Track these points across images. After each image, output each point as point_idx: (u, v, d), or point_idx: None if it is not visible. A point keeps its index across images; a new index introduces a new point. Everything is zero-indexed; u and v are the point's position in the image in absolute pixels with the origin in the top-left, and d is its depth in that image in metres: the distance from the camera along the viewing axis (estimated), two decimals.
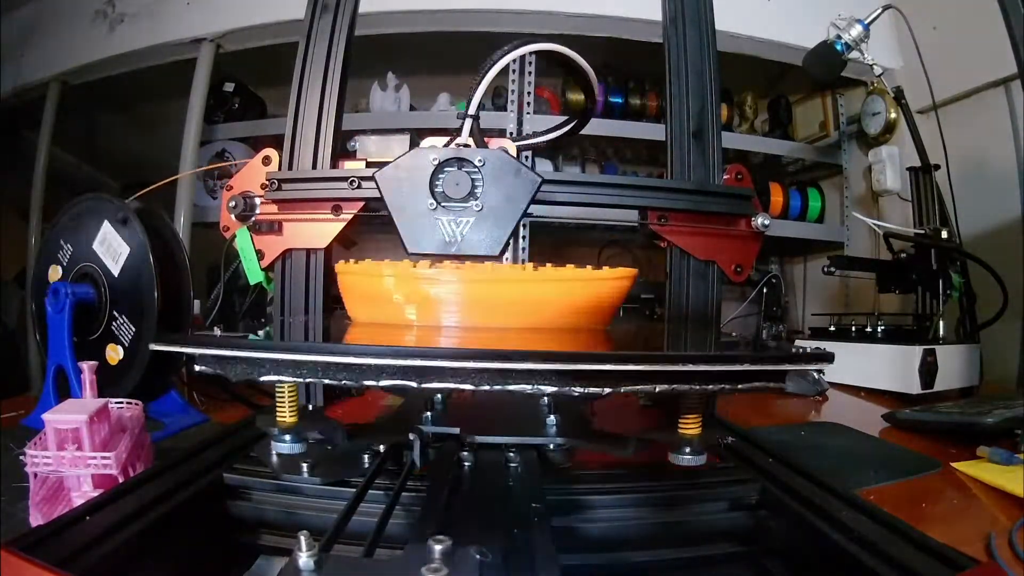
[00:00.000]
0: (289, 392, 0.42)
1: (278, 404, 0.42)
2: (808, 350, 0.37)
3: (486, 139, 0.52)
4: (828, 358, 0.36)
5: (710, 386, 0.36)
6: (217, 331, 0.38)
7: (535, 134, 0.68)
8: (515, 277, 0.49)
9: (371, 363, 0.33)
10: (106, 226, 0.75)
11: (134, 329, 0.74)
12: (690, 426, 0.42)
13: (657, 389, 0.35)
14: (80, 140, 1.96)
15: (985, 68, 1.28)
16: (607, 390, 0.35)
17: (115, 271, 0.75)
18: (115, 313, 0.74)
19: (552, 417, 0.48)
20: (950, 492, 0.56)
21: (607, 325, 0.53)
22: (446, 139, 0.52)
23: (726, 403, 0.72)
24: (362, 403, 0.84)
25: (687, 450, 0.41)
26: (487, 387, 0.34)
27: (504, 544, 0.31)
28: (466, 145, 0.50)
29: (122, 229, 0.75)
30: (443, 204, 0.48)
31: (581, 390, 0.34)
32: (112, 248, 0.75)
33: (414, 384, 0.34)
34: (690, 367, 0.34)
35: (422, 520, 0.34)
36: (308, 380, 0.35)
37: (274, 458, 0.43)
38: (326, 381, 0.35)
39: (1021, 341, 1.11)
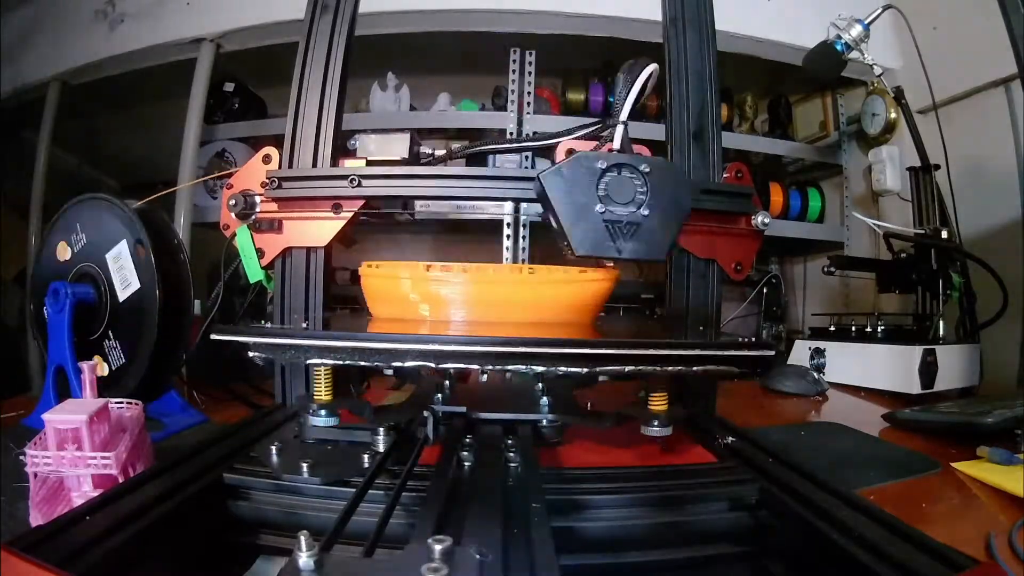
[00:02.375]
0: (325, 374, 0.48)
1: (315, 386, 0.49)
2: (752, 340, 0.46)
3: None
4: (768, 346, 0.45)
5: (669, 368, 0.43)
6: (267, 324, 0.46)
7: (570, 131, 0.69)
8: (512, 279, 0.57)
9: (399, 348, 0.41)
10: (123, 246, 0.75)
11: (124, 358, 0.74)
12: (658, 403, 0.50)
13: (627, 370, 0.42)
14: (80, 140, 1.96)
15: (985, 68, 1.28)
16: (584, 370, 0.42)
17: (121, 296, 0.75)
18: (109, 333, 0.74)
19: (545, 399, 0.56)
20: (950, 492, 0.56)
21: (593, 319, 0.60)
22: (592, 144, 0.55)
23: (726, 403, 0.72)
24: (367, 398, 0.84)
25: (655, 423, 0.49)
26: (490, 367, 0.42)
27: (504, 544, 0.31)
28: (621, 151, 0.53)
29: (136, 255, 0.74)
30: (610, 208, 0.49)
31: (565, 369, 0.42)
32: (123, 269, 0.75)
33: (432, 364, 0.41)
34: (651, 352, 0.43)
35: (422, 520, 0.34)
36: (347, 363, 0.42)
37: (274, 458, 0.43)
38: (362, 363, 0.42)
39: (1021, 341, 1.11)
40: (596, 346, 0.43)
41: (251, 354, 0.43)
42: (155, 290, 0.72)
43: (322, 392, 0.48)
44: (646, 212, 0.50)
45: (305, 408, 0.49)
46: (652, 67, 0.55)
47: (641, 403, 0.51)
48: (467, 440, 0.46)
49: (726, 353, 0.44)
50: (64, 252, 0.76)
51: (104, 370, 0.74)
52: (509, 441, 0.47)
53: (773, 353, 0.45)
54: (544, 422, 0.54)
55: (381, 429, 0.45)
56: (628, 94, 0.54)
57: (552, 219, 0.51)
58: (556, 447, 0.55)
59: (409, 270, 0.55)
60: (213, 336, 0.44)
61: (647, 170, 0.50)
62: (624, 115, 0.54)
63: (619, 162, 0.50)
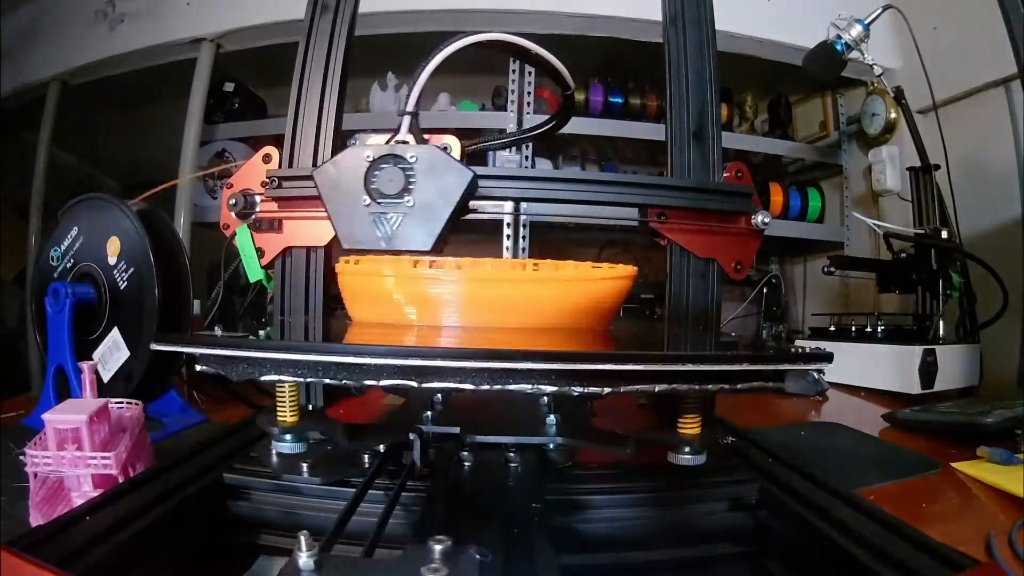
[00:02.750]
0: (290, 392, 0.42)
1: (279, 404, 0.42)
2: (807, 350, 0.37)
3: (427, 136, 0.52)
4: (827, 358, 0.36)
5: (709, 386, 0.36)
6: (218, 331, 0.38)
7: (517, 132, 0.68)
8: (515, 277, 0.50)
9: (371, 363, 0.34)
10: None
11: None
12: (690, 426, 0.42)
13: (657, 389, 0.35)
14: (80, 140, 1.96)
15: (985, 68, 1.28)
16: (607, 390, 0.35)
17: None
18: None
19: (552, 417, 0.48)
20: (950, 492, 0.56)
21: (608, 325, 0.53)
22: (386, 137, 0.52)
23: (726, 403, 0.72)
24: (363, 403, 0.84)
25: (687, 450, 0.42)
26: (487, 387, 0.34)
27: (504, 544, 0.31)
28: (404, 142, 0.50)
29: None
30: (377, 200, 0.48)
31: (581, 390, 0.34)
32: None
33: (414, 384, 0.34)
34: (690, 367, 0.34)
35: (422, 520, 0.34)
36: (309, 380, 0.36)
37: (274, 458, 0.43)
38: (327, 381, 0.35)
39: (1021, 341, 1.11)
40: (619, 360, 0.34)
41: (198, 368, 0.37)
42: (154, 290, 0.72)
43: (286, 413, 0.42)
44: (411, 203, 0.48)
45: (270, 430, 0.43)
46: (444, 53, 0.52)
47: (668, 424, 0.44)
48: (464, 453, 0.45)
49: (779, 367, 0.37)
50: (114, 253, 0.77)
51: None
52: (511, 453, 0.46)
53: (831, 363, 0.37)
54: (551, 446, 0.47)
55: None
56: (416, 83, 0.52)
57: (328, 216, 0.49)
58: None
59: (393, 266, 0.49)
60: (153, 346, 0.38)
61: (414, 159, 0.48)
62: (410, 104, 0.52)
63: (388, 153, 0.48)
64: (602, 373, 0.34)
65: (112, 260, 0.75)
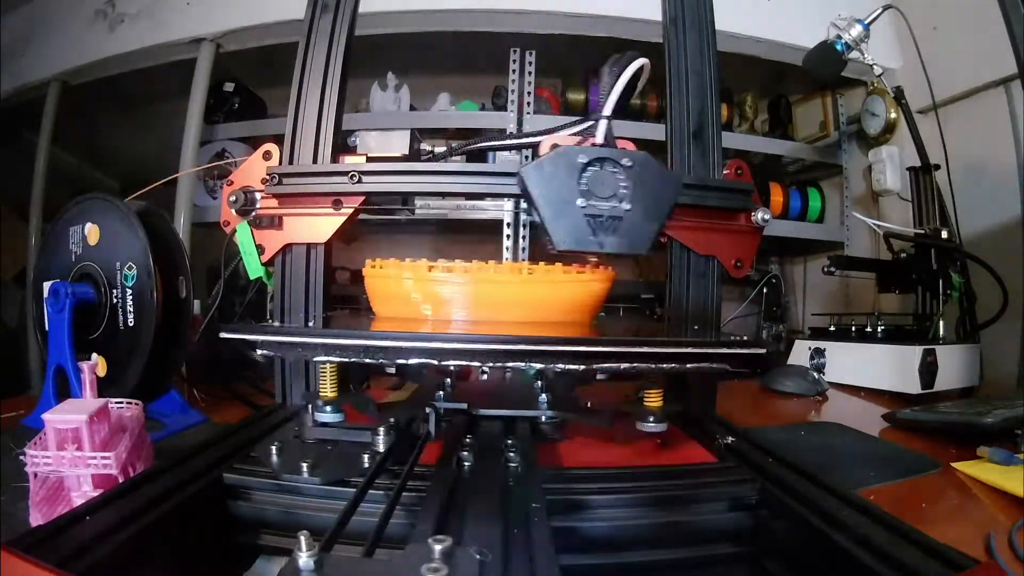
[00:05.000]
0: (331, 372, 0.51)
1: (321, 382, 0.51)
2: (744, 338, 0.46)
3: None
4: (761, 345, 0.46)
5: (664, 365, 0.44)
6: (275, 323, 0.48)
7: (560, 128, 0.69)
8: (514, 280, 0.57)
9: (403, 345, 0.42)
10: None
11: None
12: (653, 399, 0.53)
13: (622, 367, 0.44)
14: (80, 140, 1.96)
15: (985, 68, 1.28)
16: (581, 367, 0.43)
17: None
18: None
19: (544, 395, 0.56)
20: (950, 492, 0.56)
21: (591, 319, 0.61)
22: (576, 139, 0.54)
23: (726, 403, 0.72)
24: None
25: (651, 419, 0.51)
26: (491, 363, 0.44)
27: (504, 544, 0.31)
28: (604, 145, 0.52)
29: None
30: (591, 202, 0.49)
31: (563, 366, 0.43)
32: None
33: (435, 362, 0.42)
34: (645, 349, 0.44)
35: (422, 520, 0.34)
36: (352, 360, 0.43)
37: (274, 458, 0.43)
38: (367, 360, 0.43)
39: (1021, 341, 1.11)
40: (592, 344, 0.45)
41: (259, 352, 0.44)
42: (154, 290, 0.72)
43: (328, 389, 0.50)
44: (628, 206, 0.49)
45: (310, 404, 0.50)
46: (640, 62, 0.54)
47: (637, 401, 0.53)
48: (467, 440, 0.46)
49: (718, 351, 0.46)
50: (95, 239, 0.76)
51: (103, 370, 0.74)
52: (509, 441, 0.47)
53: (765, 351, 0.45)
54: (543, 418, 0.55)
55: (381, 429, 0.45)
56: (612, 88, 0.53)
57: (535, 214, 0.51)
58: (555, 443, 0.56)
59: (412, 270, 0.56)
60: (222, 335, 0.44)
61: (629, 164, 0.49)
62: (608, 110, 0.53)
63: (600, 156, 0.49)
64: (578, 354, 0.44)
65: (112, 260, 0.75)
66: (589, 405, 0.59)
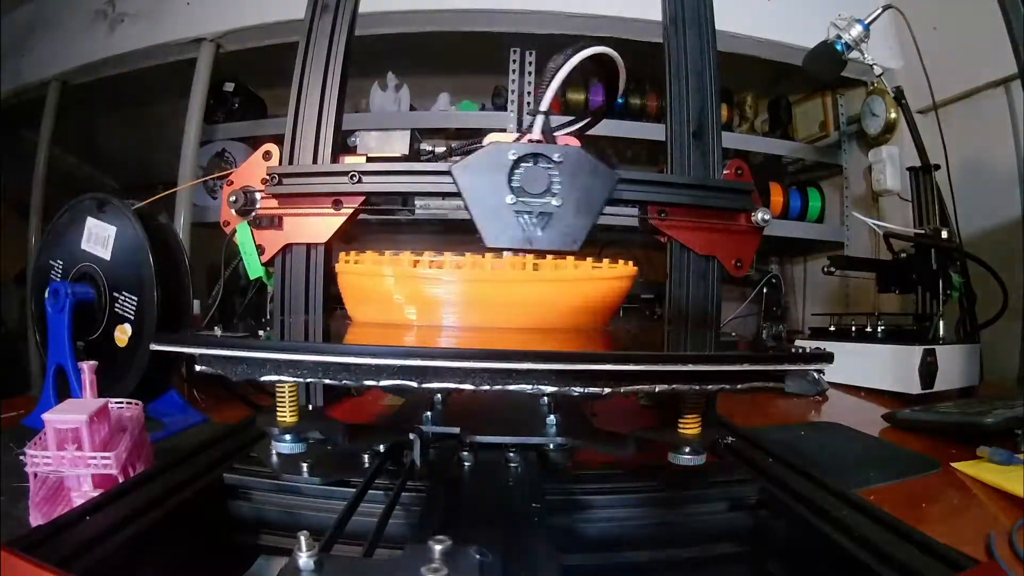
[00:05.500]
0: (290, 392, 0.42)
1: (278, 404, 0.42)
2: (807, 350, 0.37)
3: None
4: (827, 358, 0.36)
5: (710, 386, 0.36)
6: (217, 331, 0.38)
7: (560, 127, 0.68)
8: (515, 277, 0.49)
9: (371, 363, 0.33)
10: (89, 221, 0.76)
11: (135, 308, 0.73)
12: (690, 426, 0.42)
13: (657, 389, 0.35)
14: (80, 140, 1.96)
15: (985, 68, 1.28)
16: (607, 390, 0.34)
17: (106, 256, 0.75)
18: (115, 295, 0.75)
19: (552, 417, 0.48)
20: (950, 492, 0.56)
21: (607, 324, 0.53)
22: (514, 136, 0.52)
23: (726, 403, 0.72)
24: (362, 403, 0.84)
25: (687, 450, 0.41)
26: (487, 387, 0.34)
27: (504, 544, 0.31)
28: (539, 141, 0.50)
29: (103, 216, 0.75)
30: (522, 199, 0.48)
31: (581, 390, 0.34)
32: (99, 237, 0.75)
33: (414, 384, 0.34)
34: (690, 367, 0.34)
35: (422, 520, 0.34)
36: (309, 380, 0.35)
37: (274, 458, 0.43)
38: (327, 381, 0.35)
39: (1021, 341, 1.11)
40: (620, 361, 0.34)
41: (197, 368, 0.37)
42: (154, 290, 0.72)
43: (286, 413, 0.42)
44: (558, 203, 0.48)
45: (269, 430, 0.42)
46: (584, 53, 0.51)
47: (668, 424, 0.43)
48: (464, 454, 0.45)
49: (780, 368, 0.37)
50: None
51: (128, 331, 0.74)
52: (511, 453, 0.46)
53: (831, 363, 0.37)
54: (551, 446, 0.47)
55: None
56: (550, 83, 0.51)
57: (468, 211, 0.50)
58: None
59: (393, 266, 0.48)
60: (153, 346, 0.37)
61: (560, 159, 0.48)
62: (544, 104, 0.51)
63: (531, 152, 0.48)
64: (602, 373, 0.34)
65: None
66: (596, 416, 0.56)
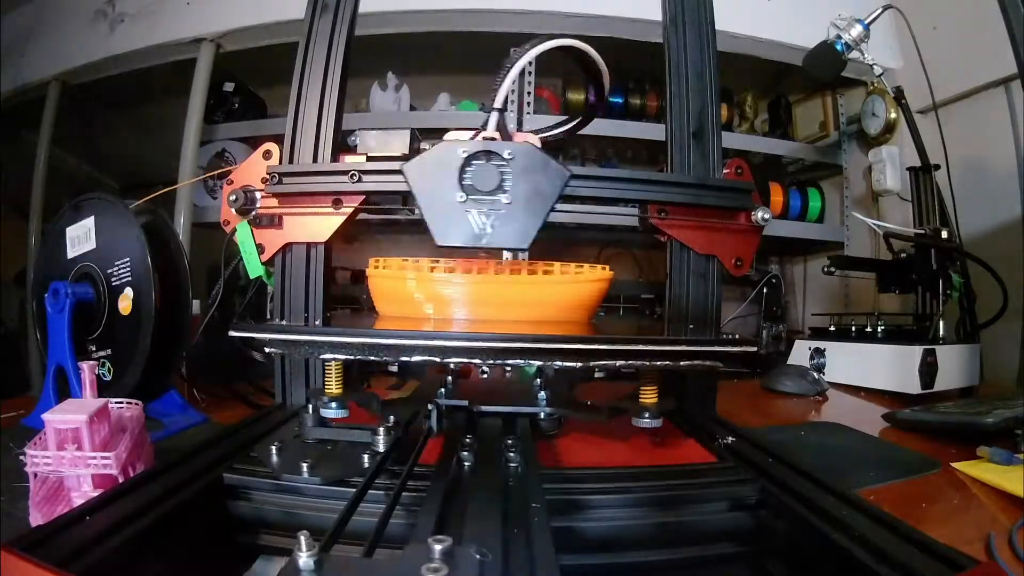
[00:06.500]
0: (336, 369, 0.51)
1: (327, 379, 0.51)
2: (736, 336, 0.47)
3: (511, 133, 0.53)
4: (752, 343, 0.46)
5: (657, 362, 0.45)
6: (282, 322, 0.47)
7: (547, 128, 0.68)
8: (513, 280, 0.58)
9: (407, 343, 0.43)
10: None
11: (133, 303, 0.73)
12: (648, 396, 0.53)
13: (618, 364, 0.44)
14: (80, 140, 1.96)
15: (985, 68, 1.28)
16: (579, 364, 0.44)
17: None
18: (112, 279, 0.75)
19: (542, 392, 0.57)
20: (950, 492, 0.56)
21: (590, 317, 0.61)
22: (471, 133, 0.52)
23: (726, 403, 0.72)
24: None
25: (646, 415, 0.51)
26: (491, 361, 0.44)
27: (504, 544, 0.31)
28: (492, 139, 0.50)
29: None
30: (472, 197, 0.49)
31: (560, 363, 0.44)
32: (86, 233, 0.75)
33: (438, 360, 0.43)
34: (640, 347, 0.44)
35: (422, 520, 0.34)
36: (358, 357, 0.44)
37: (274, 458, 0.43)
38: (372, 358, 0.44)
39: (1021, 341, 1.11)
40: (589, 342, 0.45)
41: (267, 350, 0.45)
42: (153, 290, 0.72)
43: (333, 386, 0.51)
44: (508, 200, 0.48)
45: (314, 401, 0.51)
46: (539, 48, 0.52)
47: (633, 398, 0.53)
48: (467, 440, 0.46)
49: (711, 349, 0.46)
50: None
51: (130, 296, 0.74)
52: (509, 441, 0.47)
53: (756, 349, 0.46)
54: (542, 415, 0.56)
55: (381, 429, 0.45)
56: (504, 78, 0.51)
57: (418, 210, 0.50)
58: (555, 441, 0.57)
59: (414, 270, 0.57)
60: (231, 333, 0.45)
61: (510, 156, 0.48)
62: (498, 101, 0.51)
63: (482, 149, 0.48)
64: (575, 352, 0.44)
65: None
66: (589, 403, 0.59)
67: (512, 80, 0.52)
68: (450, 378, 0.59)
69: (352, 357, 0.44)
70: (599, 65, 0.58)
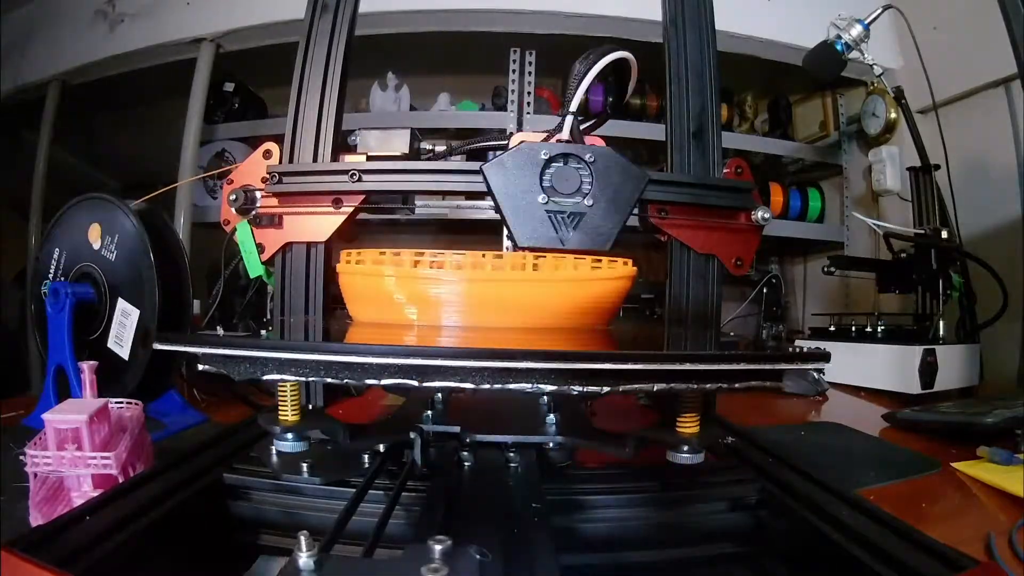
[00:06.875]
0: (291, 391, 0.41)
1: (280, 403, 0.41)
2: (804, 349, 0.37)
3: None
4: (825, 357, 0.36)
5: (708, 385, 0.35)
6: (220, 331, 0.38)
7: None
8: (515, 277, 0.48)
9: (373, 362, 0.33)
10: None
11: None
12: (688, 425, 0.42)
13: (656, 388, 0.35)
14: (80, 140, 1.96)
15: (985, 68, 1.28)
16: (606, 389, 0.34)
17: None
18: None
19: (552, 416, 0.48)
20: (950, 492, 0.56)
21: (608, 324, 0.53)
22: (543, 135, 0.52)
23: (726, 403, 0.72)
24: (363, 402, 0.84)
25: (685, 449, 0.41)
26: (487, 386, 0.34)
27: (504, 544, 0.31)
28: (569, 141, 0.51)
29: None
30: (553, 199, 0.49)
31: (580, 389, 0.34)
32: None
33: (415, 383, 0.33)
34: (688, 366, 0.34)
35: (422, 520, 0.34)
36: (311, 379, 0.35)
37: (274, 458, 0.43)
38: (328, 380, 0.34)
39: (1021, 341, 1.10)
40: (619, 360, 0.34)
41: (200, 367, 0.37)
42: (155, 290, 0.72)
43: (288, 412, 0.41)
44: (590, 202, 0.49)
45: (267, 427, 0.42)
46: (613, 56, 0.52)
47: (667, 424, 0.43)
48: (464, 453, 0.45)
49: (777, 367, 0.37)
50: (96, 239, 0.77)
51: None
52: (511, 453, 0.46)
53: (830, 363, 0.36)
54: (551, 445, 0.47)
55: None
56: (579, 84, 0.52)
57: (498, 211, 0.50)
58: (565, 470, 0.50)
59: (394, 266, 0.48)
60: (156, 346, 0.37)
61: (592, 159, 0.49)
62: (573, 105, 0.52)
63: (563, 152, 0.49)
64: (602, 372, 0.34)
65: (96, 245, 0.75)
66: (595, 416, 0.56)
67: (584, 89, 0.52)
68: (439, 395, 0.50)
69: (304, 379, 0.35)
70: (632, 74, 0.59)
